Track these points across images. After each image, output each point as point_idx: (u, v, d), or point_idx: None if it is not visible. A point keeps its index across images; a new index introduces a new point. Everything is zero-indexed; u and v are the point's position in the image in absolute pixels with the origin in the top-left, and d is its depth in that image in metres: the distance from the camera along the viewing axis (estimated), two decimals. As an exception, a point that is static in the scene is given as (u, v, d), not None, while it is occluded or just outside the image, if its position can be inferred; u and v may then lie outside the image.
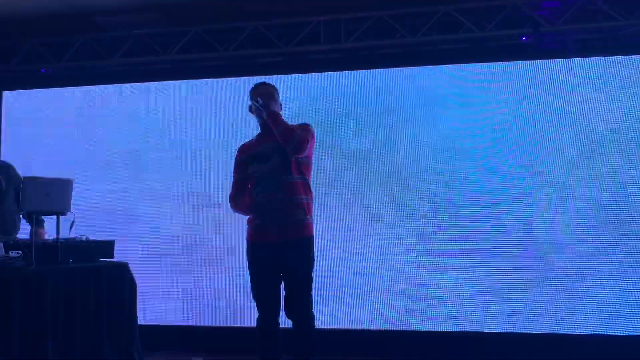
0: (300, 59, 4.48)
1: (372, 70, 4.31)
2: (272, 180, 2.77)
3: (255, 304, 2.86)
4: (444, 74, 4.21)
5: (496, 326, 3.96)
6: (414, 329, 4.04)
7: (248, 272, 2.87)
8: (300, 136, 2.74)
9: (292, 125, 2.80)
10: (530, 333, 3.91)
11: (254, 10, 4.26)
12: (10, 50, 4.74)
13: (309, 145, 2.78)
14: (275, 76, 4.28)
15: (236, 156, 2.97)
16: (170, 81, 4.61)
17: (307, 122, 2.90)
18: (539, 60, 4.06)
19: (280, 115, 2.81)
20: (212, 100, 4.53)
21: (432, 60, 4.25)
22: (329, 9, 4.22)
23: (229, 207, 2.94)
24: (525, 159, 4.03)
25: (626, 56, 3.98)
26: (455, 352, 3.95)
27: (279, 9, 4.24)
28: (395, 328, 4.07)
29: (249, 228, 2.88)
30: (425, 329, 4.03)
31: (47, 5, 4.20)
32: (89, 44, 4.65)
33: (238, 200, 2.89)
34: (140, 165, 4.60)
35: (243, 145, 2.97)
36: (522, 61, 4.08)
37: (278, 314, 2.85)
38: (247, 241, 2.88)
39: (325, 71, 4.39)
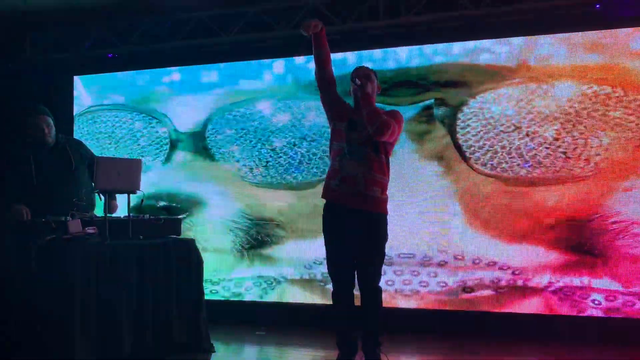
0: (358, 35, 4.42)
1: (432, 44, 4.19)
2: (358, 151, 2.89)
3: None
4: (510, 46, 4.03)
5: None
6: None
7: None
8: (385, 121, 2.88)
9: (381, 111, 2.94)
10: None
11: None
12: (80, 36, 4.93)
13: (391, 130, 2.89)
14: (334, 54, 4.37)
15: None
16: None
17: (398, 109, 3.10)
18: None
19: (374, 100, 2.98)
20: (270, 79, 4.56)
21: (496, 33, 4.08)
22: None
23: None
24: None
25: None
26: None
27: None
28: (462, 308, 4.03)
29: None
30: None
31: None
32: (152, 28, 4.77)
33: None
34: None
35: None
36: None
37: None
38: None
39: (385, 47, 4.31)
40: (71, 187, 3.43)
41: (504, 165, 3.99)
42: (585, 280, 3.81)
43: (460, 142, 4.10)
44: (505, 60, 4.04)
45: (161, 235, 3.38)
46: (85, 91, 5.07)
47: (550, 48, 3.94)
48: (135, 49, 4.81)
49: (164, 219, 3.46)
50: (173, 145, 4.81)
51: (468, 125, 4.10)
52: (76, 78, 5.09)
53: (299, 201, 4.44)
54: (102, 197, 3.19)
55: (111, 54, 4.92)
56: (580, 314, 3.80)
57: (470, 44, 4.12)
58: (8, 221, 3.19)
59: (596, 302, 3.78)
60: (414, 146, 4.19)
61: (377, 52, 4.34)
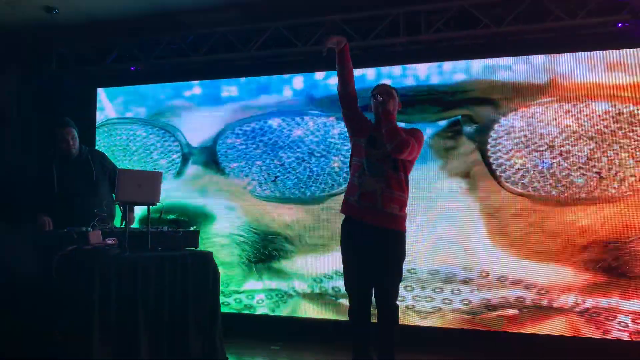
0: (378, 51, 4.44)
1: (453, 61, 4.20)
2: (377, 168, 2.89)
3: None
4: (533, 65, 4.02)
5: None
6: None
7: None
8: (404, 140, 2.85)
9: (401, 128, 2.94)
10: None
11: (331, 5, 4.27)
12: (104, 50, 5.04)
13: (410, 149, 2.88)
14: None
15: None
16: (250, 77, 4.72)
17: (418, 127, 3.08)
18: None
19: (394, 117, 2.94)
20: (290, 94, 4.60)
21: (518, 50, 4.07)
22: (408, 1, 4.15)
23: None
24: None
25: None
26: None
27: (358, 3, 4.22)
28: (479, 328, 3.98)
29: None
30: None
31: (134, 6, 4.43)
32: (174, 42, 4.86)
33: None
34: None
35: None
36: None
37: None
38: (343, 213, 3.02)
39: (405, 63, 4.32)
40: (92, 198, 3.49)
41: (535, 184, 3.95)
42: (613, 301, 3.74)
43: (491, 160, 4.08)
44: (531, 78, 4.02)
45: (179, 247, 3.40)
46: (109, 103, 5.16)
47: (578, 66, 3.92)
48: (156, 62, 4.90)
49: (182, 232, 3.49)
50: (185, 159, 4.86)
51: (499, 143, 4.08)
52: (100, 90, 5.19)
53: (306, 214, 4.45)
54: (122, 209, 3.23)
55: (134, 67, 5.01)
56: (605, 337, 3.73)
57: (491, 61, 4.12)
58: (32, 231, 3.25)
59: (623, 324, 3.71)
60: (440, 162, 4.18)
61: (397, 69, 4.35)
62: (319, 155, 4.47)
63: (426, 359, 3.75)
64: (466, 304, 4.04)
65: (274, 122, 4.63)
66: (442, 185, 4.16)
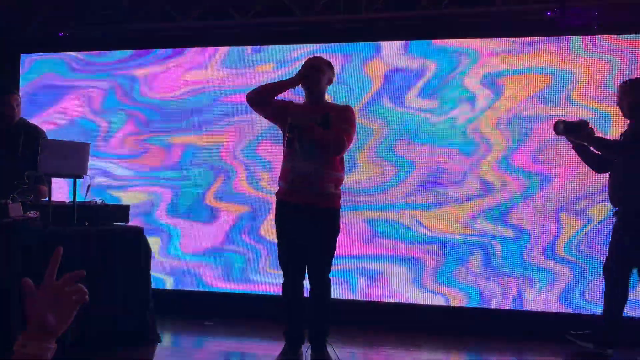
0: (319, 28, 4.41)
1: (390, 41, 4.23)
2: (309, 151, 2.86)
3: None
4: (462, 48, 4.12)
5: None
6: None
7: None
8: (338, 142, 2.85)
9: (331, 105, 2.99)
10: None
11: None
12: (29, 13, 4.72)
13: (348, 142, 2.90)
14: (290, 45, 4.35)
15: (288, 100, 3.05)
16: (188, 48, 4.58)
17: (348, 104, 3.12)
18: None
19: (318, 128, 2.85)
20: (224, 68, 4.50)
21: (450, 33, 4.15)
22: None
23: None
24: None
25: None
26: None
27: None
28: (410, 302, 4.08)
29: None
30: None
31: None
32: (108, 6, 4.61)
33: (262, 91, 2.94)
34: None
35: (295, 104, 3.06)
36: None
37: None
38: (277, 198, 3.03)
39: (343, 42, 4.32)
40: (14, 169, 3.30)
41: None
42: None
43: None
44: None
45: (108, 222, 3.29)
46: (31, 70, 4.86)
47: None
48: (85, 30, 4.64)
49: (111, 205, 3.37)
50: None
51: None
52: (24, 56, 4.87)
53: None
54: (29, 182, 3.05)
55: (62, 33, 4.73)
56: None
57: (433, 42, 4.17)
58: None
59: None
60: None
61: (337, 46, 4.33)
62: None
63: (356, 333, 3.83)
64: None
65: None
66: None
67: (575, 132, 3.21)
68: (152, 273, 3.45)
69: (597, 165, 3.35)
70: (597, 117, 3.82)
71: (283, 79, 3.17)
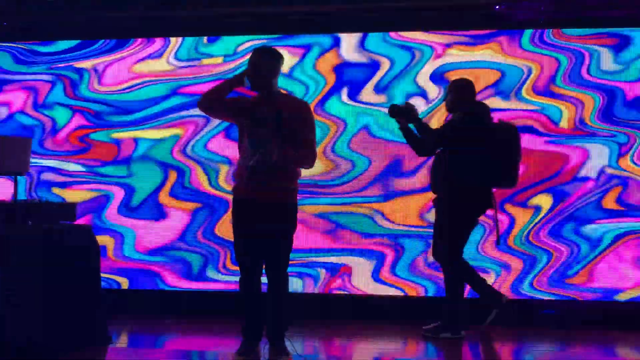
0: (274, 20, 4.36)
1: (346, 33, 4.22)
2: (265, 145, 2.81)
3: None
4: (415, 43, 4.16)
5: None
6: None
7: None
8: (312, 157, 2.92)
9: (286, 95, 2.96)
10: None
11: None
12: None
13: (315, 148, 2.95)
14: (244, 36, 4.29)
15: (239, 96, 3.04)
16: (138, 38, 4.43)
17: (305, 101, 3.07)
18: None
19: (290, 150, 2.83)
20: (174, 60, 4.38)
21: (393, 27, 4.18)
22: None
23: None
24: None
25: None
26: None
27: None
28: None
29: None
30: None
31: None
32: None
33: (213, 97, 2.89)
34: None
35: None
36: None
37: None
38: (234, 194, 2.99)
39: (298, 33, 4.27)
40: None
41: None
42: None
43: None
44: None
45: (53, 220, 3.14)
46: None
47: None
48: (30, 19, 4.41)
49: (57, 204, 3.23)
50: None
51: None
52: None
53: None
54: None
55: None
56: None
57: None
58: None
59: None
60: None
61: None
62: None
63: (318, 327, 3.82)
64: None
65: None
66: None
67: (404, 115, 3.49)
68: (106, 275, 3.34)
69: (418, 147, 3.55)
70: (544, 110, 3.97)
71: (227, 77, 3.10)
